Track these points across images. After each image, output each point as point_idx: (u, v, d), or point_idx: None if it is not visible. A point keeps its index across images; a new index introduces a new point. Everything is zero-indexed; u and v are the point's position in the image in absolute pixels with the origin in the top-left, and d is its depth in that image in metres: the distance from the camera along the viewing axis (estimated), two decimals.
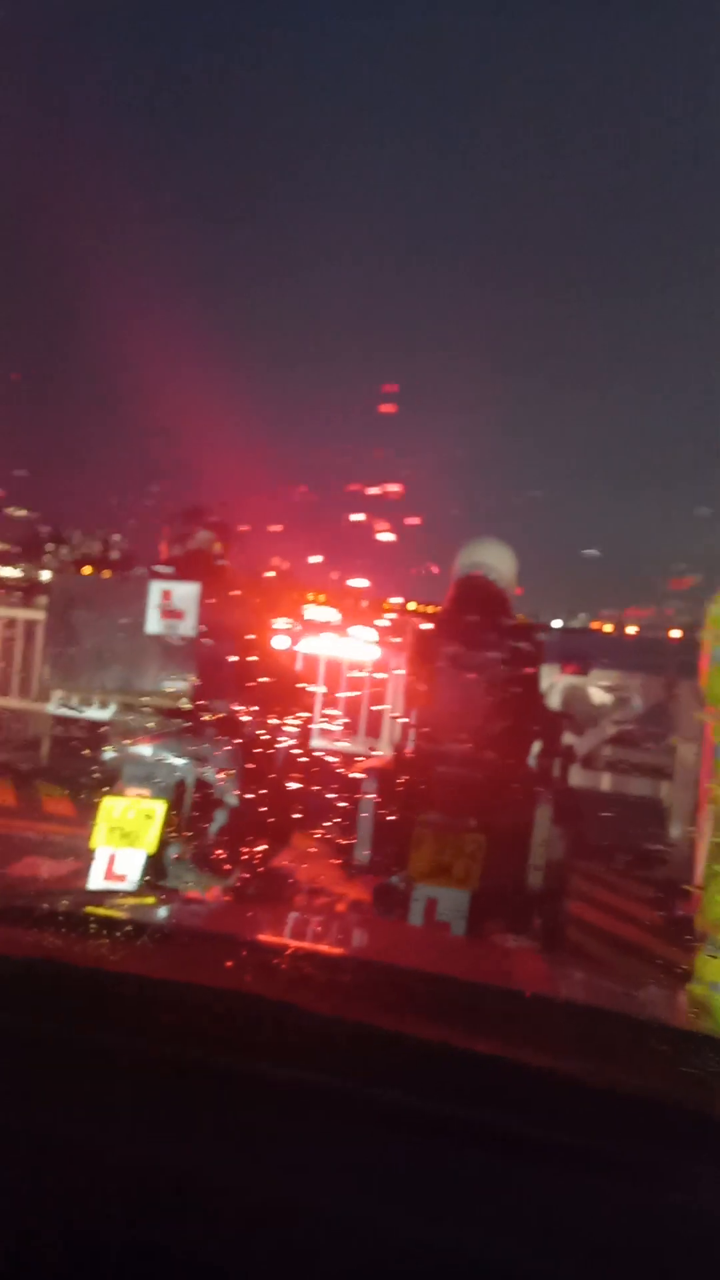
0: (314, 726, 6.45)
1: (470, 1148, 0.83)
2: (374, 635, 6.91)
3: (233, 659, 3.60)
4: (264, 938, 1.52)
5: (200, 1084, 0.89)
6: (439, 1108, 0.86)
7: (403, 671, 5.05)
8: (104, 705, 3.51)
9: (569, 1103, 0.89)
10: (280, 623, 4.22)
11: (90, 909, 1.46)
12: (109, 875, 3.23)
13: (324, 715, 6.63)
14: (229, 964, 1.15)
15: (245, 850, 3.61)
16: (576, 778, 5.54)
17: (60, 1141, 0.81)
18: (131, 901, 2.08)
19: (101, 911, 1.45)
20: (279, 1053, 0.91)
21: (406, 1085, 0.87)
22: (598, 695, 6.55)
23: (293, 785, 3.99)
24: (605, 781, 6.31)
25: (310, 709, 6.03)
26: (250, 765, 3.61)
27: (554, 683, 6.16)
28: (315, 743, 6.29)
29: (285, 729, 3.98)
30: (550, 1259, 0.72)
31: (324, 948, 1.53)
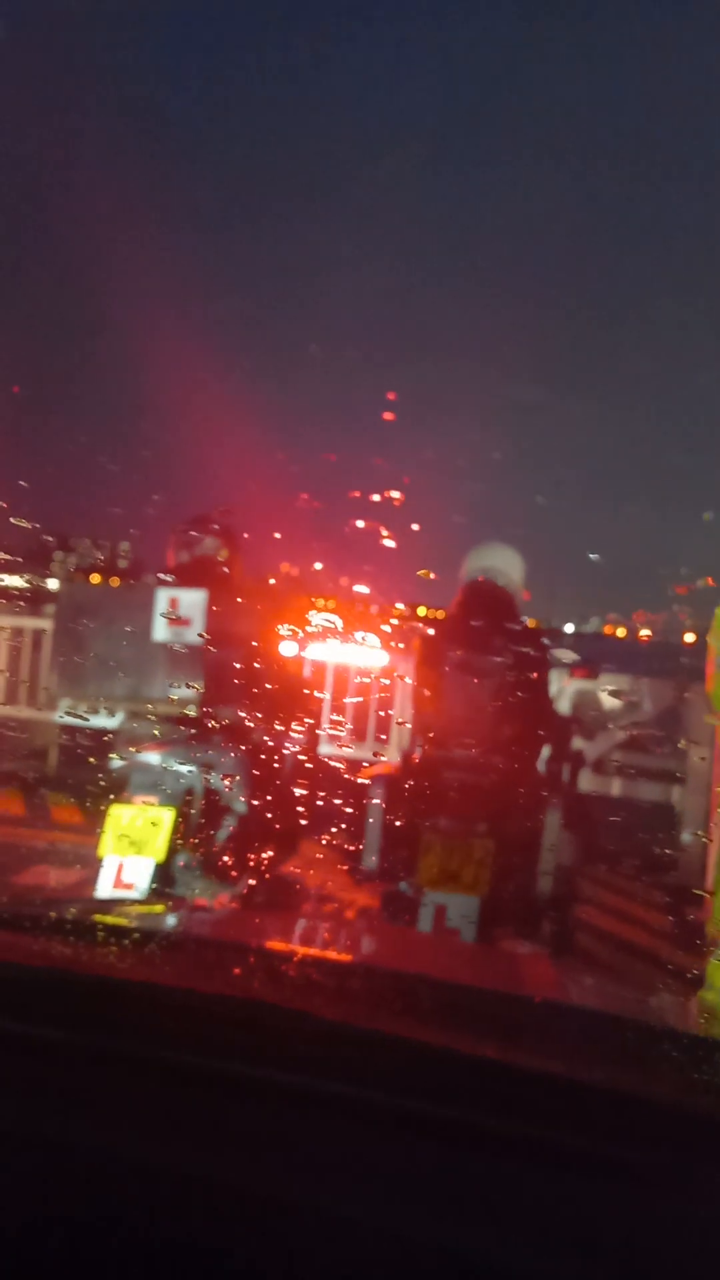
0: (321, 733, 6.44)
1: (480, 1153, 0.83)
2: (380, 641, 6.91)
3: (239, 666, 3.60)
4: (272, 945, 1.51)
5: (209, 1090, 0.88)
6: (448, 1113, 0.85)
7: (410, 677, 5.05)
8: (111, 713, 3.51)
9: (578, 1108, 0.89)
10: (286, 629, 4.22)
11: (99, 917, 1.45)
12: (117, 883, 3.22)
13: (331, 721, 6.63)
14: (237, 971, 1.15)
15: (253, 857, 3.61)
16: (586, 782, 5.52)
17: (69, 1147, 0.81)
18: (140, 909, 2.08)
19: (110, 920, 1.45)
20: (288, 1059, 0.91)
21: (415, 1091, 0.87)
22: (607, 700, 6.52)
23: (300, 792, 3.98)
24: (615, 786, 6.27)
25: (317, 715, 6.03)
26: (257, 772, 3.61)
27: (563, 687, 6.14)
28: (322, 749, 6.28)
29: (292, 735, 3.97)
30: (556, 1261, 0.72)
31: (332, 954, 1.52)
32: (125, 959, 1.18)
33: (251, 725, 3.69)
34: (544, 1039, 1.04)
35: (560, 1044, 1.04)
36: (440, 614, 3.98)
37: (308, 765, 4.11)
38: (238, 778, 3.51)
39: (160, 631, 3.42)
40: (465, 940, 3.10)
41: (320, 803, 4.00)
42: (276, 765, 3.83)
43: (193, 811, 3.44)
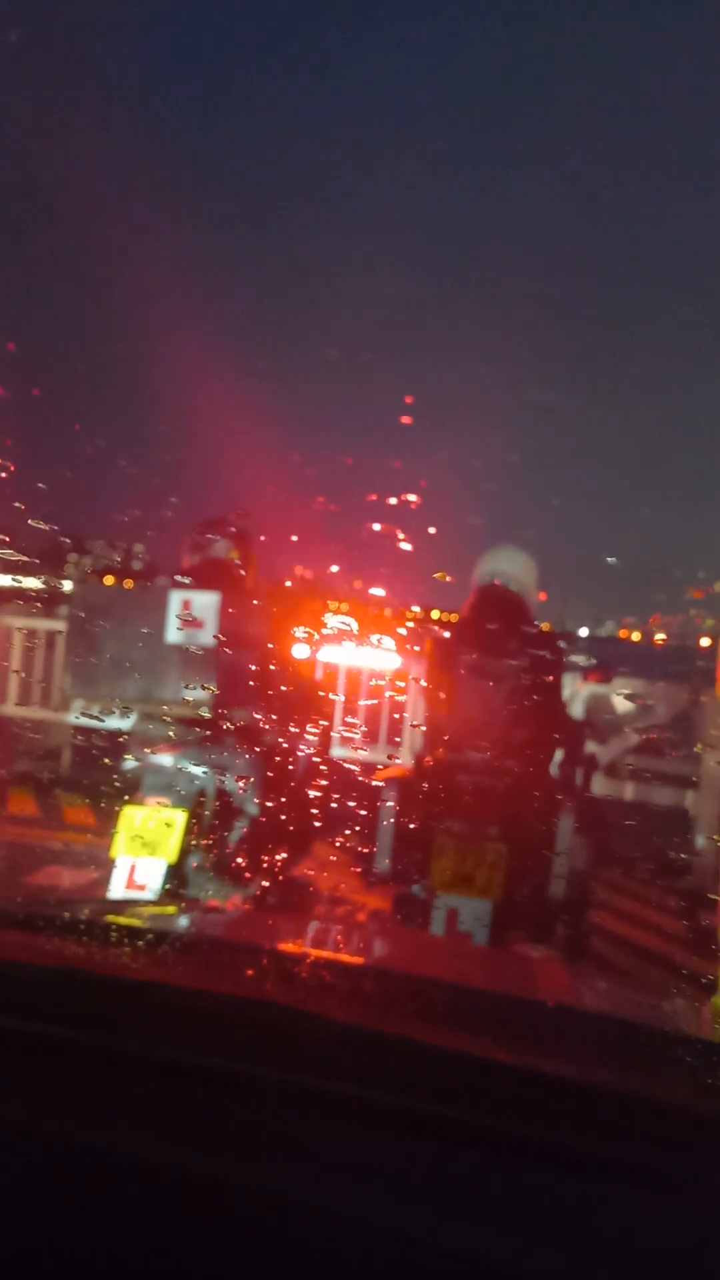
0: (334, 735, 6.43)
1: (487, 1155, 0.82)
2: (394, 644, 6.89)
3: (252, 668, 3.60)
4: (285, 946, 1.51)
5: (222, 1092, 0.88)
6: (459, 1116, 0.85)
7: (423, 680, 5.06)
8: (124, 714, 3.52)
9: (588, 1111, 0.88)
10: (300, 631, 4.22)
11: (111, 918, 1.46)
12: (130, 884, 3.23)
13: (344, 724, 6.62)
14: (250, 973, 1.15)
15: (265, 859, 3.61)
16: (599, 786, 5.49)
17: (77, 1146, 0.81)
18: (152, 910, 2.08)
19: (122, 920, 1.46)
20: (299, 1060, 0.91)
21: (426, 1093, 0.87)
22: (621, 704, 6.50)
23: (313, 794, 3.98)
24: (628, 790, 6.25)
25: (330, 717, 6.03)
26: (270, 774, 3.61)
27: (576, 691, 6.12)
28: (335, 751, 6.27)
29: (305, 738, 3.97)
30: (559, 1262, 0.72)
31: (345, 957, 1.52)
32: (138, 960, 1.18)
33: (265, 727, 3.69)
34: (556, 1043, 1.04)
35: (572, 1048, 1.03)
36: (453, 617, 3.98)
37: (321, 767, 4.11)
38: (251, 779, 3.51)
39: (174, 633, 3.42)
40: (478, 944, 3.10)
41: (333, 805, 4.00)
42: (290, 767, 3.84)
43: (205, 813, 3.44)
